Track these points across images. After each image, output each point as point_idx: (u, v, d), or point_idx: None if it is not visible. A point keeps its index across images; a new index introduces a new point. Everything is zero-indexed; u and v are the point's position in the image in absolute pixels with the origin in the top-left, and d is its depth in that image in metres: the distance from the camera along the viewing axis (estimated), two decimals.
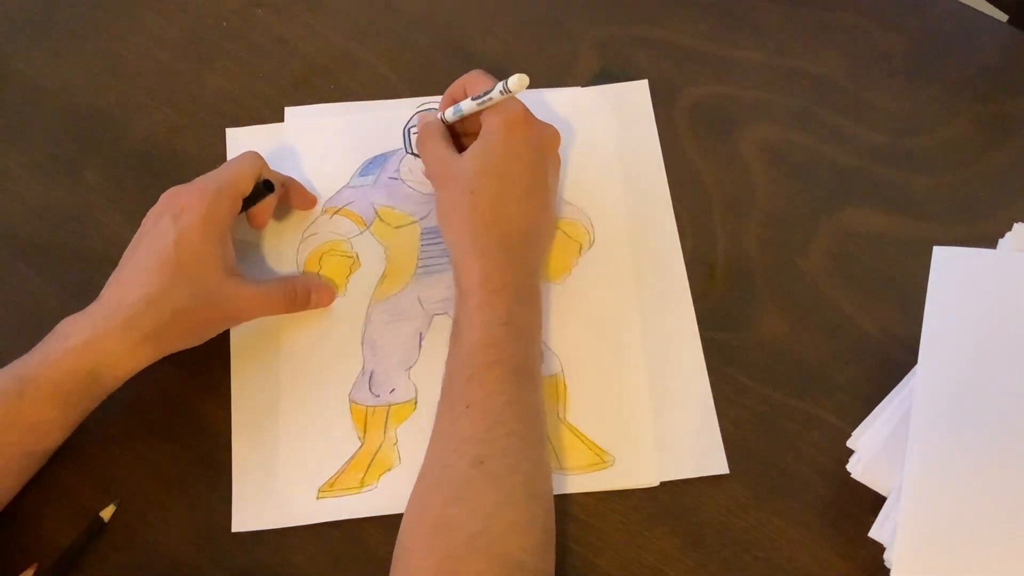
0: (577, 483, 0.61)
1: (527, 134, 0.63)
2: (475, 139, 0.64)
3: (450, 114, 0.66)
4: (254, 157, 0.65)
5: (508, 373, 0.57)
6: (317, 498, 0.61)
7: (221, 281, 0.60)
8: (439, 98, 0.73)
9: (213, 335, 0.62)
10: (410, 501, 0.56)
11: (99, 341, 0.57)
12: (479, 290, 0.59)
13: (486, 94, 0.63)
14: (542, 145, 0.64)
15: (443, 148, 0.65)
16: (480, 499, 0.53)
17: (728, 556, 0.59)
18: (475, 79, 0.65)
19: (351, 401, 0.64)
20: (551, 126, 0.65)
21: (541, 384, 0.61)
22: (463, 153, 0.64)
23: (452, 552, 0.52)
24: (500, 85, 0.62)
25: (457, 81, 0.67)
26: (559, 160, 0.67)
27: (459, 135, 0.68)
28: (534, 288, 0.62)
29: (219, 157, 0.71)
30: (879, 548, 0.56)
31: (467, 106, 0.64)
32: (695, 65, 0.75)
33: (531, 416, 0.58)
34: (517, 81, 0.61)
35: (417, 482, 0.56)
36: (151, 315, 0.58)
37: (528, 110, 0.63)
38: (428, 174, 0.67)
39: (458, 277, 0.61)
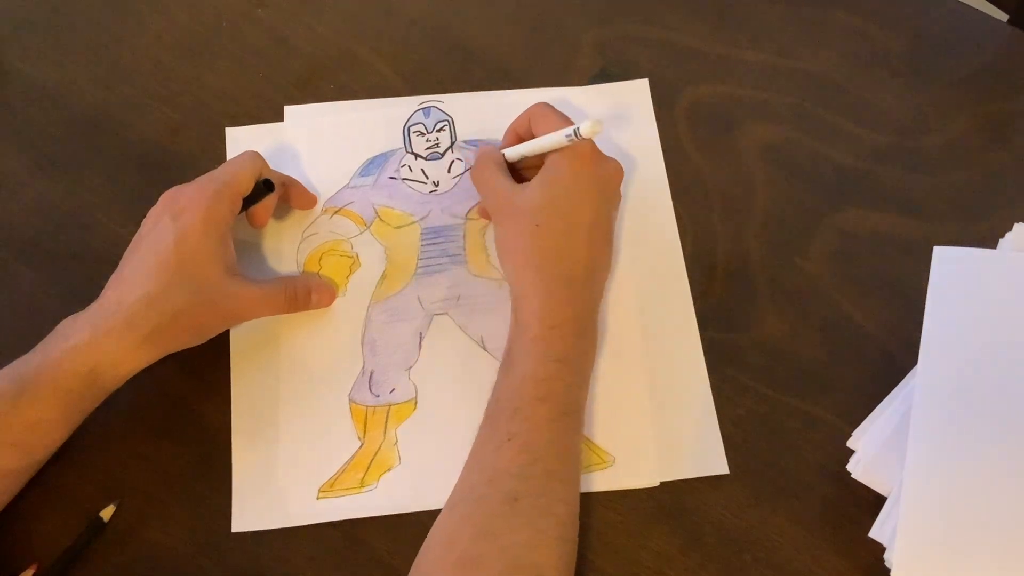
0: None
1: (594, 169, 0.62)
2: (534, 170, 0.64)
3: (511, 154, 0.65)
4: (254, 157, 0.65)
5: (556, 411, 0.57)
6: (317, 498, 0.61)
7: (221, 281, 0.60)
8: (439, 97, 0.73)
9: (213, 335, 0.62)
10: (437, 525, 0.55)
11: (99, 341, 0.57)
12: (537, 324, 0.58)
13: (550, 135, 0.61)
14: (607, 180, 0.63)
15: (503, 180, 0.64)
16: (511, 538, 0.52)
17: (728, 556, 0.59)
18: (542, 114, 0.64)
19: (351, 401, 0.64)
20: (616, 161, 0.64)
21: (583, 425, 0.60)
22: (525, 185, 0.63)
23: None
24: (570, 131, 0.60)
25: (522, 114, 0.65)
26: (620, 196, 0.66)
27: (517, 166, 0.67)
28: (592, 325, 0.62)
29: (219, 157, 0.71)
30: (879, 548, 0.56)
31: (531, 146, 0.63)
32: (695, 65, 0.75)
33: (571, 458, 0.57)
34: (590, 128, 0.59)
35: (447, 507, 0.55)
36: (151, 315, 0.58)
37: (595, 145, 0.62)
38: (487, 205, 0.66)
39: (517, 309, 0.60)
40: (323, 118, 0.73)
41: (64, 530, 0.60)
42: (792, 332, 0.66)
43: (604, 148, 0.71)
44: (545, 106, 0.65)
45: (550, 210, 0.61)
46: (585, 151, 0.62)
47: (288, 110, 0.73)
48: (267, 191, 0.65)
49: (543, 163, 0.63)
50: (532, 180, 0.62)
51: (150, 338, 0.58)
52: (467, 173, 0.70)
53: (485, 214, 0.68)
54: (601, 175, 0.63)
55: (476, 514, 0.54)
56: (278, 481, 0.61)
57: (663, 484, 0.61)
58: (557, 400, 0.57)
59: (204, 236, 0.60)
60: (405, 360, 0.65)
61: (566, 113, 0.64)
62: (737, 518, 0.60)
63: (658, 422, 0.63)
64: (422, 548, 0.54)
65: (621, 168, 0.64)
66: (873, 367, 0.64)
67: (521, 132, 0.66)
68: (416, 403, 0.64)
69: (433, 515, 0.56)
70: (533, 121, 0.64)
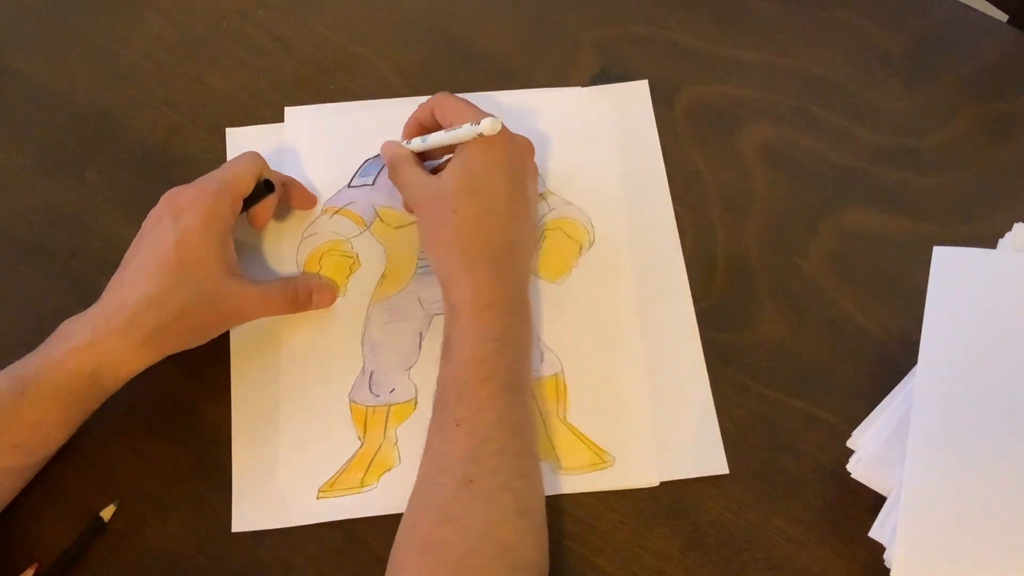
0: (577, 483, 0.61)
1: (504, 148, 0.63)
2: (442, 153, 0.65)
3: (417, 144, 0.66)
4: (254, 157, 0.65)
5: (499, 389, 0.57)
6: (317, 498, 0.61)
7: (222, 281, 0.60)
8: None
9: (214, 336, 0.62)
10: (402, 520, 0.55)
11: (100, 342, 0.57)
12: (469, 306, 0.59)
13: (456, 129, 0.62)
14: (519, 157, 0.64)
15: (418, 172, 0.64)
16: (470, 519, 0.53)
17: (728, 556, 0.59)
18: (447, 105, 0.65)
19: (351, 401, 0.64)
20: (524, 137, 0.65)
21: (532, 397, 0.60)
22: (439, 173, 0.63)
23: (442, 572, 0.51)
24: (471, 126, 0.61)
25: (422, 105, 0.66)
26: (536, 170, 0.67)
27: (425, 154, 0.68)
28: (523, 300, 0.62)
29: (219, 157, 0.71)
30: (879, 548, 0.56)
31: (436, 139, 0.64)
32: (695, 65, 0.75)
33: (522, 432, 0.57)
34: (491, 125, 0.60)
35: (409, 501, 0.56)
36: (152, 316, 0.58)
37: (503, 126, 0.63)
38: (407, 201, 0.67)
39: (447, 295, 0.61)
40: (323, 118, 0.73)
41: (64, 530, 0.60)
42: (792, 332, 0.66)
43: (604, 148, 0.72)
44: (448, 96, 0.65)
45: (466, 193, 0.61)
46: (497, 134, 0.62)
47: (288, 110, 0.73)
48: (267, 191, 0.65)
49: (453, 149, 0.64)
50: (446, 168, 0.63)
51: (151, 339, 0.58)
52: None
53: (410, 209, 0.69)
54: (512, 152, 0.63)
55: (433, 501, 0.54)
56: (278, 481, 0.61)
57: (663, 484, 0.61)
58: (499, 378, 0.57)
59: (205, 237, 0.60)
60: (405, 360, 0.65)
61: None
62: (737, 518, 0.60)
63: (658, 422, 0.63)
64: (394, 540, 0.55)
65: (531, 143, 0.65)
66: (873, 367, 0.64)
67: (424, 122, 0.66)
68: (416, 403, 0.64)
69: None
70: (438, 112, 0.65)
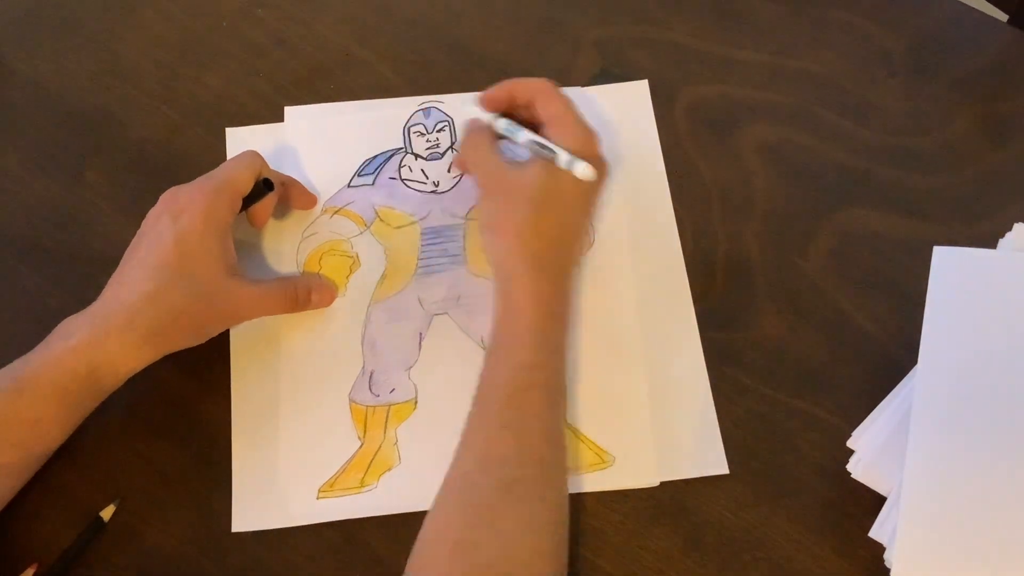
0: (577, 483, 0.61)
1: (595, 165, 0.61)
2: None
3: (503, 129, 0.63)
4: (253, 156, 0.65)
5: (546, 398, 0.57)
6: (317, 498, 0.61)
7: (221, 280, 0.60)
8: (439, 97, 0.73)
9: (213, 334, 0.62)
10: (431, 515, 0.55)
11: (99, 340, 0.57)
12: (532, 311, 0.58)
13: (549, 148, 0.60)
14: (602, 183, 0.63)
15: (499, 155, 0.63)
16: (505, 523, 0.53)
17: (728, 556, 0.59)
18: (547, 95, 0.62)
19: (351, 401, 0.64)
20: (608, 162, 0.63)
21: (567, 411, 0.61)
22: (523, 163, 0.61)
23: (472, 574, 0.51)
24: (568, 158, 0.59)
25: (522, 82, 0.64)
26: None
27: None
28: (572, 315, 0.62)
29: (219, 157, 0.71)
30: (879, 548, 0.56)
31: (524, 139, 0.62)
32: (695, 65, 0.75)
33: (560, 445, 0.58)
34: (583, 171, 0.59)
35: (440, 495, 0.55)
36: (151, 314, 0.58)
37: (601, 145, 0.61)
38: (479, 177, 0.64)
39: (507, 290, 0.59)
40: (323, 118, 0.73)
41: (64, 530, 0.60)
42: (792, 332, 0.66)
43: (604, 148, 0.72)
44: (552, 88, 0.63)
45: (551, 196, 0.60)
46: (594, 149, 0.61)
47: (288, 110, 0.73)
48: (266, 190, 0.65)
49: (539, 117, 0.63)
50: (533, 162, 0.61)
51: (150, 337, 0.58)
52: (467, 175, 0.70)
53: (463, 167, 0.69)
54: (598, 174, 0.62)
55: (471, 501, 0.54)
56: (278, 481, 0.61)
57: (663, 484, 0.61)
58: (549, 388, 0.57)
59: (204, 235, 0.60)
60: (405, 360, 0.65)
61: (572, 112, 0.63)
62: (737, 518, 0.60)
63: (658, 422, 0.63)
64: (419, 535, 0.54)
65: (609, 169, 0.64)
66: (873, 367, 0.64)
67: (517, 96, 0.64)
68: (416, 403, 0.64)
69: None
70: (539, 101, 0.63)
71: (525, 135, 0.62)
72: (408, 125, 0.72)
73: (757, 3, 0.77)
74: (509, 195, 0.61)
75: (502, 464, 0.55)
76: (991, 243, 0.63)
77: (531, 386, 0.57)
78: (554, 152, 0.60)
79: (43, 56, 0.76)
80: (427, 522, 0.54)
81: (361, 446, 0.62)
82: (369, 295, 0.67)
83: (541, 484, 0.55)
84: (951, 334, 0.59)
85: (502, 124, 0.63)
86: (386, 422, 0.63)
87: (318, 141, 0.72)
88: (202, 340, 0.61)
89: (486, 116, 0.64)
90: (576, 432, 0.62)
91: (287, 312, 0.65)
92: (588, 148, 0.61)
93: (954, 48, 0.75)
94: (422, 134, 0.72)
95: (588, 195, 0.62)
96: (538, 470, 0.55)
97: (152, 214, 0.62)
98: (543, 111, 0.62)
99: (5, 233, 0.70)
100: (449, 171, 0.71)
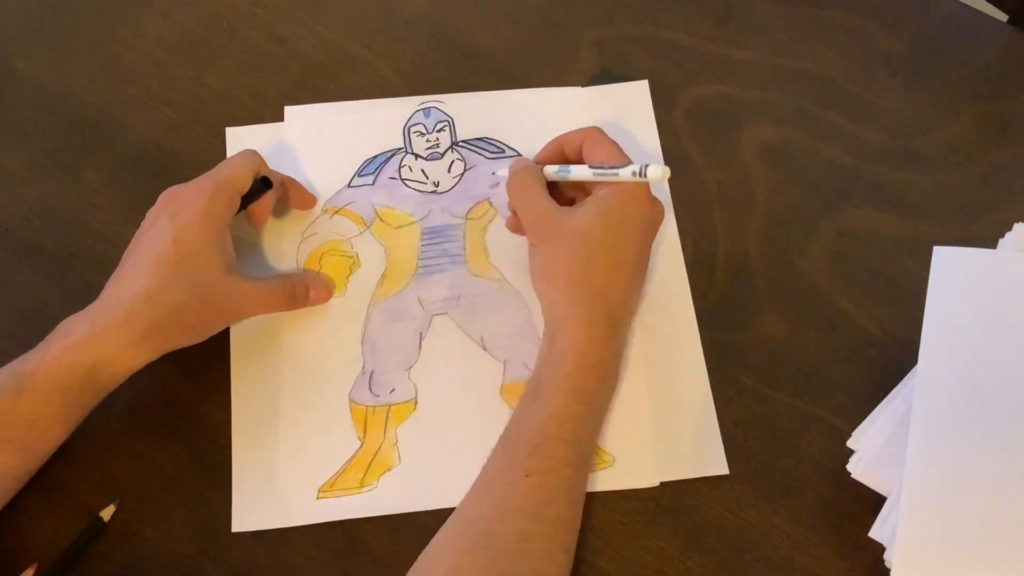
0: None
1: (647, 209, 0.60)
2: (572, 190, 0.63)
3: (553, 172, 0.63)
4: (251, 154, 0.65)
5: (574, 455, 0.56)
6: (317, 498, 0.61)
7: (220, 277, 0.60)
8: (439, 97, 0.73)
9: (213, 332, 0.62)
10: (440, 546, 0.54)
11: (98, 338, 0.57)
12: (574, 360, 0.57)
13: (611, 168, 0.59)
14: (656, 223, 0.62)
15: (547, 197, 0.62)
16: None
17: (728, 556, 0.59)
18: (597, 141, 0.62)
19: (351, 401, 0.64)
20: (662, 204, 0.62)
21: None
22: (572, 209, 0.60)
23: None
24: (635, 168, 0.58)
25: (571, 134, 0.63)
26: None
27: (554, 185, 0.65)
28: (619, 367, 0.61)
29: (219, 157, 0.71)
30: (879, 548, 0.56)
31: (580, 173, 0.61)
32: (695, 65, 0.75)
33: (579, 505, 0.57)
34: (660, 173, 0.57)
35: (451, 530, 0.55)
36: (150, 311, 0.58)
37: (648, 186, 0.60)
38: (526, 222, 0.62)
39: (555, 336, 0.59)
40: (323, 118, 0.73)
41: (64, 530, 0.60)
42: (792, 332, 0.66)
43: None
44: (601, 133, 0.63)
45: (604, 243, 0.59)
46: (644, 191, 0.60)
47: (288, 110, 0.73)
48: (265, 188, 0.65)
49: (583, 187, 0.62)
50: (583, 206, 0.60)
51: (149, 335, 0.58)
52: (467, 173, 0.70)
53: (517, 228, 0.65)
54: (651, 216, 0.61)
55: (484, 548, 0.53)
56: (278, 481, 0.61)
57: (663, 484, 0.61)
58: (580, 444, 0.57)
59: (202, 233, 0.60)
60: (405, 360, 0.65)
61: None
62: (737, 518, 0.60)
63: (658, 422, 0.63)
64: (420, 563, 0.54)
65: (664, 210, 0.63)
66: (873, 367, 0.64)
67: (568, 151, 0.64)
68: (416, 403, 0.64)
69: (433, 515, 0.56)
70: (587, 145, 0.62)
71: (578, 168, 0.61)
72: (408, 125, 0.72)
73: (757, 3, 0.77)
74: (559, 241, 0.60)
75: (520, 515, 0.54)
76: (991, 243, 0.63)
77: (559, 439, 0.56)
78: (617, 171, 0.59)
79: (43, 56, 0.76)
80: (434, 551, 0.54)
81: (361, 446, 0.62)
82: (369, 295, 0.67)
83: (555, 544, 0.54)
84: (951, 334, 0.59)
85: (551, 169, 0.63)
86: (386, 422, 0.63)
87: (318, 141, 0.72)
88: (202, 338, 0.61)
89: (533, 164, 0.64)
90: None
91: (286, 309, 0.65)
92: (641, 188, 0.60)
93: (954, 48, 0.75)
94: (422, 134, 0.72)
95: (643, 238, 0.61)
96: (555, 528, 0.54)
97: (151, 213, 0.62)
98: (590, 154, 0.62)
99: (5, 233, 0.70)
100: (450, 170, 0.71)
